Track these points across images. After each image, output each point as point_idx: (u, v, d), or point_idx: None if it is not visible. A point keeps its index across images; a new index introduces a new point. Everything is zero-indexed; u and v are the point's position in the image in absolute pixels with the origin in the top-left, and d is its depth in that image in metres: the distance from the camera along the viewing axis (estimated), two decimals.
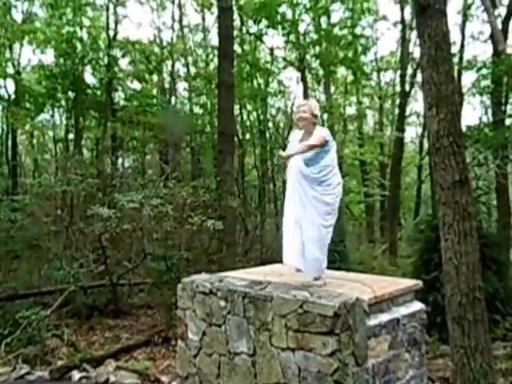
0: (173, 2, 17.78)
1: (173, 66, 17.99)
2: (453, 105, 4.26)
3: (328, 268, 4.19)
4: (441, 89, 4.21)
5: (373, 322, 3.60)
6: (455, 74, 13.36)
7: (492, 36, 10.23)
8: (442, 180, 4.23)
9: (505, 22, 11.21)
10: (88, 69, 17.11)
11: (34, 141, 21.24)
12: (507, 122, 10.76)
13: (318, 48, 14.59)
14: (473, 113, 42.19)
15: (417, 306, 4.13)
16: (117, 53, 16.81)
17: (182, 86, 19.89)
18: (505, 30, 11.01)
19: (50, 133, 20.46)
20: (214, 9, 15.74)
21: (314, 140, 3.86)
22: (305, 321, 3.41)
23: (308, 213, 3.86)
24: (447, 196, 4.20)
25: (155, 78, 19.27)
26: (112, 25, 16.63)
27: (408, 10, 15.80)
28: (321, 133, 3.93)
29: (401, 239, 16.33)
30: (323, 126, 16.60)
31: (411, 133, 28.31)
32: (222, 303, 4.08)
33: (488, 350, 4.16)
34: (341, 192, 4.02)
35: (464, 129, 9.66)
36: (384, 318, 3.72)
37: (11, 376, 6.22)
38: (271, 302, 3.65)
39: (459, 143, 4.21)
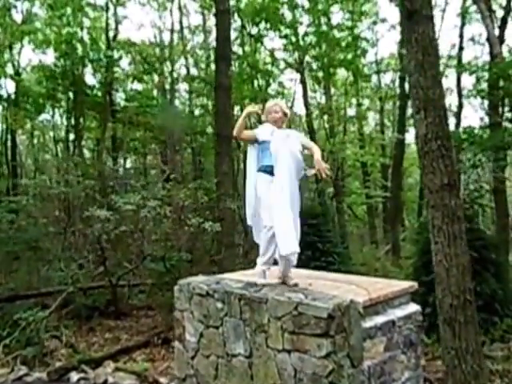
0: (172, 2, 17.81)
1: (173, 67, 18.01)
2: (440, 108, 4.30)
3: (327, 270, 4.22)
4: (428, 93, 4.25)
5: (368, 323, 3.62)
6: (454, 76, 13.47)
7: (488, 39, 10.25)
8: (430, 183, 4.27)
9: (502, 26, 11.22)
10: (88, 69, 17.17)
11: (35, 141, 21.30)
12: (503, 124, 10.73)
13: (317, 50, 14.62)
14: (474, 114, 42.29)
15: (412, 307, 4.15)
16: (117, 54, 16.85)
17: (182, 87, 19.95)
18: (501, 33, 11.02)
19: (51, 133, 20.52)
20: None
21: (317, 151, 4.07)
22: (300, 323, 3.42)
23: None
24: (436, 199, 4.23)
25: (156, 78, 19.30)
26: (112, 25, 16.70)
27: None
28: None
29: (404, 240, 16.29)
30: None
31: (413, 134, 28.21)
32: (219, 305, 4.09)
33: (479, 352, 4.18)
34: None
35: (461, 130, 9.68)
36: (379, 319, 3.74)
37: (9, 377, 6.19)
38: (266, 304, 3.67)
39: (447, 146, 4.24)
